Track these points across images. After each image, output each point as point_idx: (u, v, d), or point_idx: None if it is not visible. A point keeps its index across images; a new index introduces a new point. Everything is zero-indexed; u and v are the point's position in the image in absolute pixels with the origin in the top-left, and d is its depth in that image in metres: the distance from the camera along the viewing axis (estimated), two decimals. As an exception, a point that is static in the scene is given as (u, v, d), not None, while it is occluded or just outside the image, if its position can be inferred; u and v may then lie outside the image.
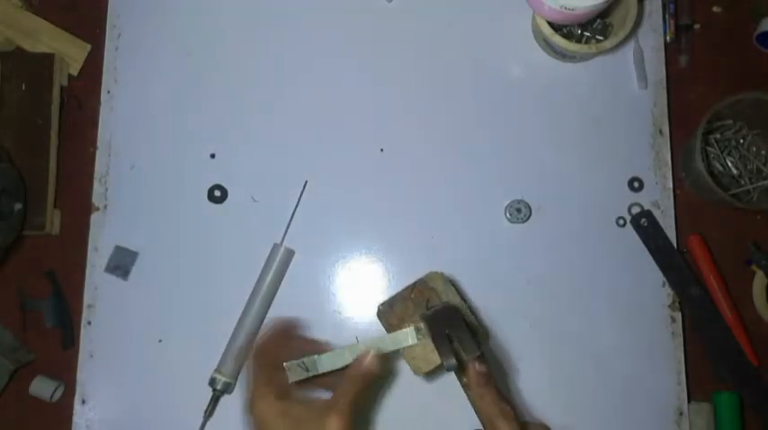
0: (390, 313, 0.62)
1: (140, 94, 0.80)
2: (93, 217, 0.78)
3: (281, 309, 0.75)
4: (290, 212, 0.78)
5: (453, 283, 0.65)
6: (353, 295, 0.77)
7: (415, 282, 0.63)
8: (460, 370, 0.55)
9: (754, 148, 0.81)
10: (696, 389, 0.76)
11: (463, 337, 0.55)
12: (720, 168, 0.80)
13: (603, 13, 0.80)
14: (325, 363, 0.57)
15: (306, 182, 0.78)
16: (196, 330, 0.76)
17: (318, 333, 0.75)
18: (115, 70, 0.81)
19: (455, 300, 0.63)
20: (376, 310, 0.63)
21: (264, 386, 0.54)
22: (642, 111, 0.81)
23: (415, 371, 0.61)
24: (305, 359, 0.56)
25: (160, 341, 0.75)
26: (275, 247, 0.75)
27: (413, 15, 0.83)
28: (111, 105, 0.80)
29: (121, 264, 0.76)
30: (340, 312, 0.76)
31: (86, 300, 0.76)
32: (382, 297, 0.78)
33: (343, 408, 0.51)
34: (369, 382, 0.55)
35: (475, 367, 0.54)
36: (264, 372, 0.56)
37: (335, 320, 0.76)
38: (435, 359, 0.60)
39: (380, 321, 0.63)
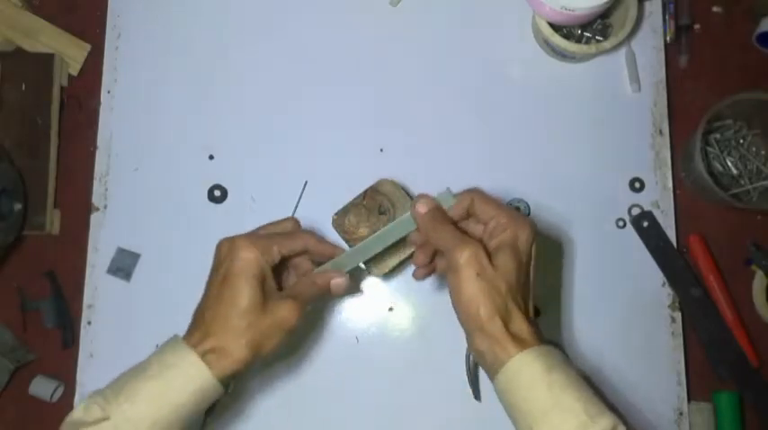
0: (345, 221, 0.67)
1: (140, 95, 0.80)
2: (93, 217, 0.78)
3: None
4: (290, 212, 0.78)
5: (403, 188, 0.69)
6: (353, 295, 0.77)
7: (366, 190, 0.68)
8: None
9: (754, 148, 0.81)
10: (696, 389, 0.76)
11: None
12: (720, 168, 0.80)
13: (603, 14, 0.80)
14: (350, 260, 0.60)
15: (306, 182, 0.78)
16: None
17: (318, 332, 0.75)
18: (115, 70, 0.81)
19: (405, 202, 0.68)
20: (331, 221, 0.67)
21: (258, 242, 0.57)
22: (642, 112, 0.81)
23: (372, 274, 0.67)
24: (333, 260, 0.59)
25: (157, 346, 0.75)
26: None
27: (413, 16, 0.83)
28: (111, 105, 0.80)
29: (123, 265, 0.76)
30: (340, 312, 0.76)
31: (86, 300, 0.76)
32: (383, 296, 0.79)
33: (300, 302, 0.55)
34: (322, 294, 0.59)
35: (416, 208, 0.56)
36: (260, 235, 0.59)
37: (335, 320, 0.76)
38: (390, 262, 0.66)
39: (336, 230, 0.68)
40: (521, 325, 0.51)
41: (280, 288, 0.58)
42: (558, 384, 0.49)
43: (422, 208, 0.56)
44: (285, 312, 0.54)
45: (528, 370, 0.49)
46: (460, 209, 0.56)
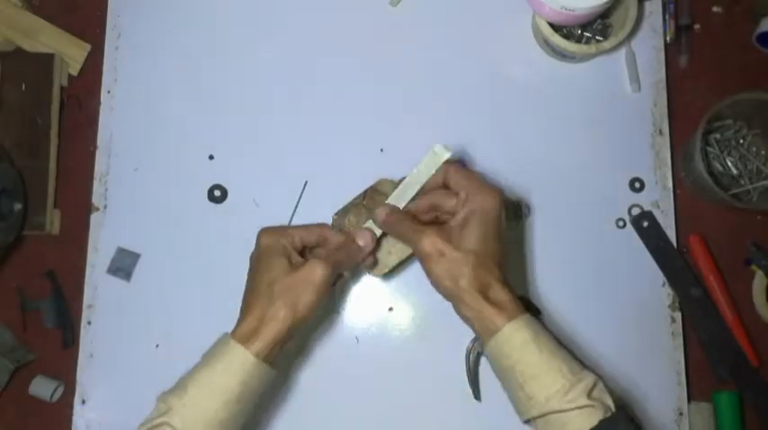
0: (345, 221, 0.68)
1: (140, 95, 0.80)
2: (93, 217, 0.78)
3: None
4: (290, 212, 0.78)
5: None
6: (353, 295, 0.77)
7: (366, 190, 0.69)
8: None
9: (754, 148, 0.81)
10: (696, 389, 0.76)
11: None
12: (720, 168, 0.80)
13: (603, 14, 0.80)
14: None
15: (306, 182, 0.78)
16: (196, 330, 0.75)
17: (318, 333, 0.75)
18: (115, 70, 0.81)
19: (405, 203, 0.67)
20: (331, 221, 0.67)
21: (276, 229, 0.62)
22: (642, 112, 0.81)
23: (371, 274, 0.68)
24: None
25: (157, 346, 0.75)
26: None
27: (413, 16, 0.83)
28: (111, 105, 0.80)
29: (123, 265, 0.76)
30: (340, 312, 0.76)
31: (86, 300, 0.76)
32: (383, 296, 0.79)
33: (328, 262, 0.59)
34: (352, 259, 0.63)
35: (377, 216, 0.62)
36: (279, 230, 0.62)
37: (335, 320, 0.76)
38: (389, 262, 0.67)
39: (336, 230, 0.68)
40: (498, 292, 0.56)
41: None
42: (547, 348, 0.55)
43: (381, 214, 0.62)
44: (312, 268, 0.57)
45: (518, 336, 0.55)
46: (436, 180, 0.62)
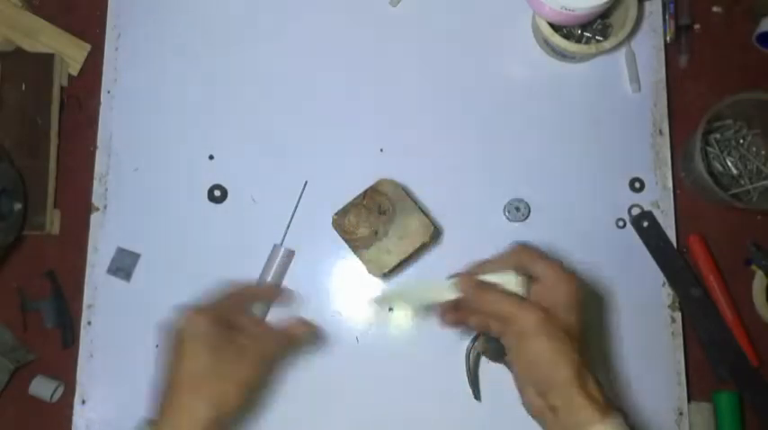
0: (345, 221, 0.68)
1: (140, 94, 0.80)
2: (93, 217, 0.78)
3: (281, 311, 0.75)
4: (290, 212, 0.78)
5: (403, 188, 0.69)
6: (354, 295, 0.77)
7: (366, 190, 0.69)
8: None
9: (754, 148, 0.81)
10: (696, 389, 0.76)
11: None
12: (720, 168, 0.80)
13: (603, 14, 0.80)
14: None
15: (306, 182, 0.78)
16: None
17: (318, 332, 0.75)
18: (115, 70, 0.81)
19: (405, 203, 0.68)
20: (331, 221, 0.67)
21: (209, 306, 0.60)
22: (642, 111, 0.81)
23: (371, 273, 0.67)
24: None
25: (157, 346, 0.75)
26: (275, 248, 0.75)
27: (413, 16, 0.83)
28: (111, 105, 0.80)
29: (123, 265, 0.76)
30: (340, 312, 0.76)
31: (86, 300, 0.76)
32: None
33: (254, 359, 0.57)
34: (289, 347, 0.63)
35: (461, 284, 0.57)
36: (214, 301, 0.61)
37: (335, 321, 0.76)
38: (389, 262, 0.67)
39: (336, 230, 0.68)
40: (593, 385, 0.53)
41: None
42: None
43: (465, 283, 0.57)
44: (238, 368, 0.56)
45: None
46: (505, 266, 0.57)
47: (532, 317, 0.52)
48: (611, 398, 0.53)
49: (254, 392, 0.56)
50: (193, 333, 0.56)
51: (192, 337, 0.56)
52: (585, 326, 0.76)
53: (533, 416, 0.54)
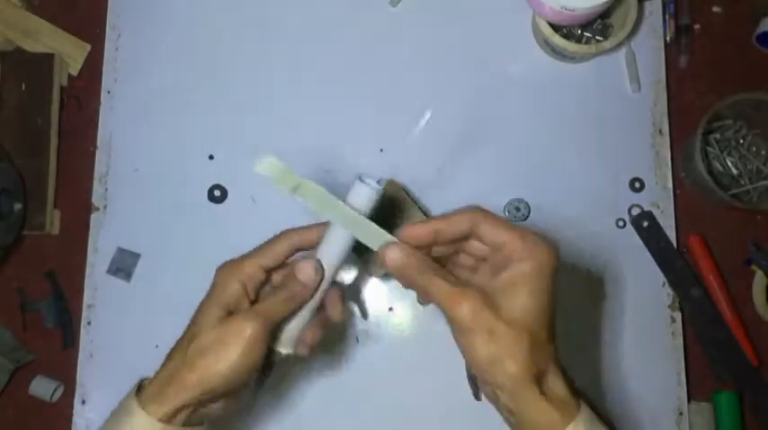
0: None
1: (140, 95, 0.80)
2: (93, 217, 0.78)
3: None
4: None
5: (404, 189, 0.69)
6: (353, 296, 0.77)
7: None
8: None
9: (754, 148, 0.81)
10: (696, 389, 0.76)
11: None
12: (720, 168, 0.80)
13: (603, 14, 0.80)
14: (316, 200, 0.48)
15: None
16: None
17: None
18: (115, 70, 0.81)
19: (407, 204, 0.68)
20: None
21: (232, 263, 0.52)
22: (642, 111, 0.81)
23: (372, 274, 0.66)
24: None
25: (157, 346, 0.75)
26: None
27: (413, 16, 0.83)
28: (111, 105, 0.80)
29: (124, 265, 0.76)
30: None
31: (86, 300, 0.76)
32: (383, 296, 0.79)
33: (258, 316, 0.47)
34: (293, 303, 0.50)
35: (385, 259, 0.47)
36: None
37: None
38: None
39: None
40: (555, 381, 0.45)
41: None
42: None
43: (392, 256, 0.46)
44: (235, 326, 0.47)
45: None
46: (455, 232, 0.46)
47: (464, 308, 0.43)
48: (576, 389, 0.46)
49: (255, 361, 0.48)
50: (218, 286, 0.51)
51: (213, 293, 0.51)
52: (585, 327, 0.76)
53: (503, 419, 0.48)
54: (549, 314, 0.45)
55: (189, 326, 0.50)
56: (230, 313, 0.49)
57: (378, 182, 0.49)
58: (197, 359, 0.47)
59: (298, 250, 0.53)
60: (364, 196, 0.48)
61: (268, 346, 0.49)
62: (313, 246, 0.52)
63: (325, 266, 0.50)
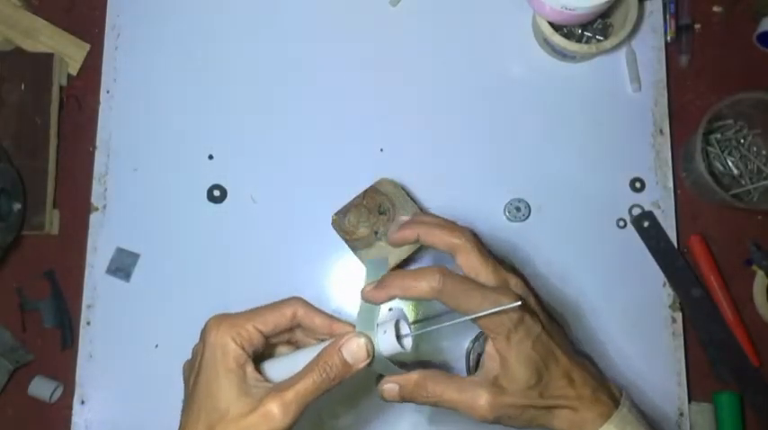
0: (345, 221, 0.67)
1: (140, 94, 0.80)
2: (93, 217, 0.77)
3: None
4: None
5: (403, 188, 0.69)
6: (353, 296, 0.77)
7: (366, 189, 0.68)
8: None
9: (755, 148, 0.81)
10: (696, 389, 0.76)
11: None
12: (721, 168, 0.80)
13: (604, 14, 0.80)
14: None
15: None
16: (196, 330, 0.75)
17: (318, 333, 0.75)
18: (115, 70, 0.81)
19: (405, 203, 0.67)
20: (331, 221, 0.66)
21: (230, 320, 0.47)
22: (642, 111, 0.81)
23: None
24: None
25: (157, 346, 0.75)
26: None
27: (413, 16, 0.82)
28: (110, 105, 0.80)
29: (123, 265, 0.76)
30: (339, 313, 0.76)
31: (86, 300, 0.76)
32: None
33: (290, 403, 0.44)
34: (340, 378, 0.45)
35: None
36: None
37: (335, 320, 0.76)
38: (390, 262, 0.64)
39: (336, 230, 0.68)
40: (582, 376, 0.49)
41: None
42: None
43: (389, 393, 0.49)
44: (265, 415, 0.43)
45: None
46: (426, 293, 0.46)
47: (484, 409, 0.47)
48: (609, 385, 0.51)
49: None
50: (219, 347, 0.45)
51: (215, 355, 0.45)
52: (585, 327, 0.76)
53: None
54: (545, 357, 0.48)
55: (196, 393, 0.45)
56: (243, 383, 0.44)
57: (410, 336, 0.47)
58: None
59: (297, 326, 0.49)
60: (390, 347, 0.46)
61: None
62: (315, 334, 0.49)
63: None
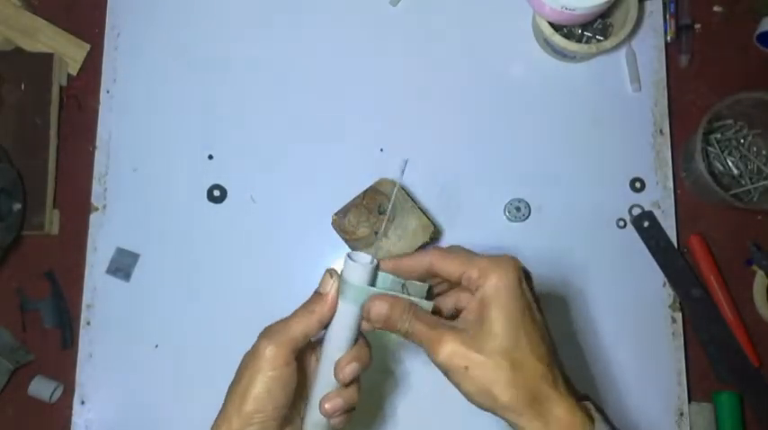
0: (345, 221, 0.67)
1: (140, 94, 0.80)
2: (93, 217, 0.77)
3: (282, 314, 0.75)
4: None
5: (403, 188, 0.69)
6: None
7: (366, 190, 0.69)
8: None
9: (755, 148, 0.81)
10: (696, 389, 0.76)
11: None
12: (721, 168, 0.80)
13: (604, 14, 0.80)
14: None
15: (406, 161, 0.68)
16: (196, 330, 0.75)
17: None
18: (114, 70, 0.81)
19: (405, 203, 0.68)
20: (331, 221, 0.67)
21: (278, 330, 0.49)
22: (642, 111, 0.81)
23: None
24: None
25: (156, 346, 0.75)
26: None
27: (413, 16, 0.83)
28: (110, 105, 0.80)
29: (123, 265, 0.76)
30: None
31: (85, 300, 0.76)
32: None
33: (276, 336, 0.47)
34: (321, 313, 0.48)
35: (377, 307, 0.47)
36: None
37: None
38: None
39: (336, 230, 0.68)
40: (554, 404, 0.43)
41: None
42: None
43: (376, 311, 0.46)
44: (256, 349, 0.47)
45: None
46: (417, 275, 0.48)
47: (443, 350, 0.44)
48: (587, 405, 0.45)
49: (287, 383, 0.48)
50: (268, 359, 0.47)
51: (262, 364, 0.47)
52: (585, 327, 0.76)
53: None
54: (529, 331, 0.45)
55: (231, 388, 0.49)
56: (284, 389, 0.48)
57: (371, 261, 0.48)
58: (234, 393, 0.47)
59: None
60: (359, 273, 0.47)
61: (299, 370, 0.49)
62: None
63: (334, 340, 0.49)
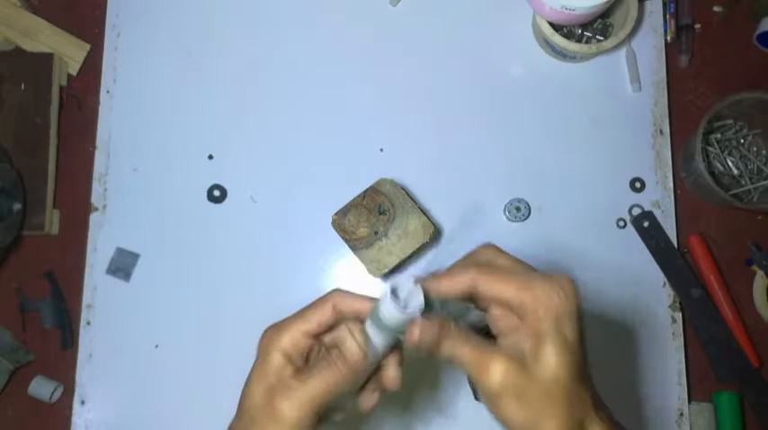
0: (345, 221, 0.68)
1: (140, 94, 0.80)
2: (93, 217, 0.77)
3: (282, 314, 0.75)
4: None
5: (403, 188, 0.69)
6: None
7: (366, 189, 0.69)
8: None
9: (755, 148, 0.81)
10: (697, 389, 0.76)
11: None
12: (721, 168, 0.80)
13: (604, 14, 0.80)
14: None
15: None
16: (196, 330, 0.75)
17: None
18: (114, 70, 0.81)
19: (405, 203, 0.68)
20: (331, 221, 0.67)
21: (277, 326, 0.46)
22: (642, 111, 0.81)
23: (371, 273, 0.66)
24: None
25: (156, 346, 0.75)
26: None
27: (413, 16, 0.83)
28: (110, 105, 0.80)
29: (123, 265, 0.76)
30: (340, 312, 0.76)
31: (85, 300, 0.76)
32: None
33: (303, 397, 0.42)
34: (355, 376, 0.44)
35: (416, 332, 0.42)
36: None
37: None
38: (389, 262, 0.65)
39: (336, 230, 0.68)
40: (594, 421, 0.41)
41: None
42: None
43: (413, 337, 0.42)
44: (277, 408, 0.42)
45: None
46: (456, 297, 0.44)
47: (492, 374, 0.41)
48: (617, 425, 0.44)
49: None
50: (265, 349, 0.45)
51: (262, 359, 0.45)
52: (585, 327, 0.76)
53: None
54: (580, 360, 0.42)
55: (244, 391, 0.45)
56: (273, 388, 0.44)
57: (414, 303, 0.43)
58: None
59: (344, 317, 0.47)
60: (395, 317, 0.43)
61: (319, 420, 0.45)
62: (360, 318, 0.46)
63: (372, 341, 0.45)
